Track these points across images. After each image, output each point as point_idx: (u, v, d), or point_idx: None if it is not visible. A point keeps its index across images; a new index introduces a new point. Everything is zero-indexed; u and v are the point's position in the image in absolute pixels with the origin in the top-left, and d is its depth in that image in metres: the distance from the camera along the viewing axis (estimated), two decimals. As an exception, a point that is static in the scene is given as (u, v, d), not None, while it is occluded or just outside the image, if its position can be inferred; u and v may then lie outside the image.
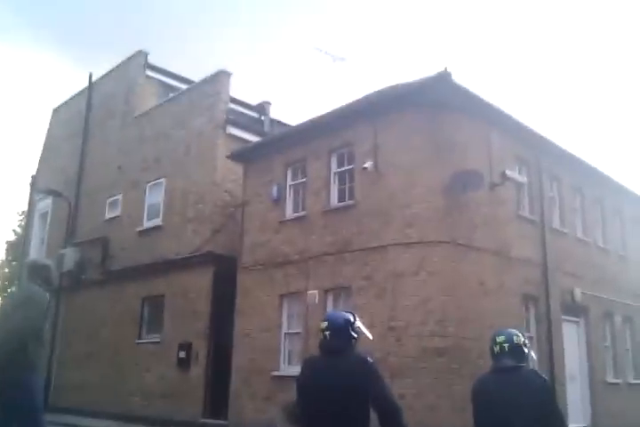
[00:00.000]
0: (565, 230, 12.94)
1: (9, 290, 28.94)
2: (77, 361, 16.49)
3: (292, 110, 44.63)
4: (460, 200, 10.26)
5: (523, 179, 11.62)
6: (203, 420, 12.45)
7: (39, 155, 22.36)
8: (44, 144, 22.24)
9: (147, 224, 15.89)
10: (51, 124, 22.22)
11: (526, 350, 4.52)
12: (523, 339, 4.53)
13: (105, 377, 15.32)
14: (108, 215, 17.39)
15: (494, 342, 4.52)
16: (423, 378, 9.28)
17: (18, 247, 28.03)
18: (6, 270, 37.34)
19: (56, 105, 22.12)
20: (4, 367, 5.01)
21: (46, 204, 20.75)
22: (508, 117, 11.42)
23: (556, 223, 12.80)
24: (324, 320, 4.45)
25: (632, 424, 12.49)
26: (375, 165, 10.68)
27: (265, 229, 12.59)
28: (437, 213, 10.10)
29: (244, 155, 13.71)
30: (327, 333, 4.33)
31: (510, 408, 4.16)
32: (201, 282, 13.71)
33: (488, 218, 10.71)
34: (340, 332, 4.33)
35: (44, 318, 5.16)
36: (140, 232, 15.92)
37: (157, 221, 15.55)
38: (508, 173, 10.89)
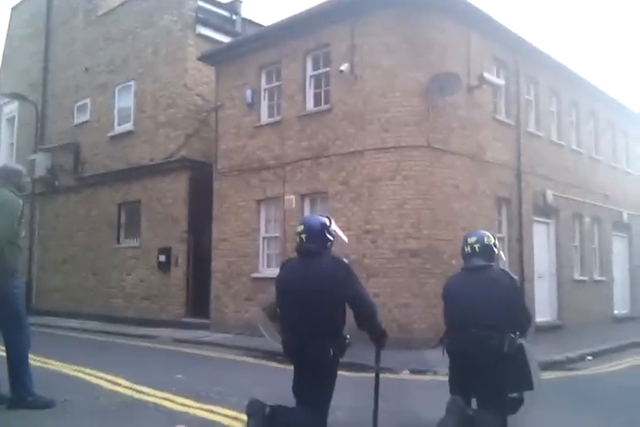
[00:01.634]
0: (540, 133, 12.98)
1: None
2: (57, 266, 16.73)
3: (265, 9, 42.47)
4: (438, 103, 10.14)
5: (500, 81, 11.47)
6: (185, 319, 12.94)
7: (0, 57, 21.23)
8: (5, 45, 21.04)
9: (118, 129, 15.53)
10: (10, 23, 20.86)
11: (496, 251, 4.69)
12: (493, 240, 4.68)
13: (85, 281, 15.65)
14: (76, 120, 16.90)
15: (466, 243, 4.67)
16: (397, 278, 9.65)
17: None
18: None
19: (15, 3, 20.70)
20: None
21: (12, 108, 20.03)
22: (488, 18, 11.10)
23: (532, 126, 12.82)
24: (301, 224, 4.53)
25: (595, 318, 13.31)
26: (352, 68, 10.39)
27: (240, 134, 12.41)
28: (414, 116, 10.01)
29: (216, 57, 13.18)
30: (303, 236, 4.42)
31: (478, 302, 4.38)
32: (177, 188, 13.69)
33: (464, 121, 10.66)
34: (316, 235, 4.42)
35: (18, 223, 5.14)
36: (112, 137, 15.59)
37: (129, 126, 15.20)
38: (486, 75, 10.72)
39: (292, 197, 11.13)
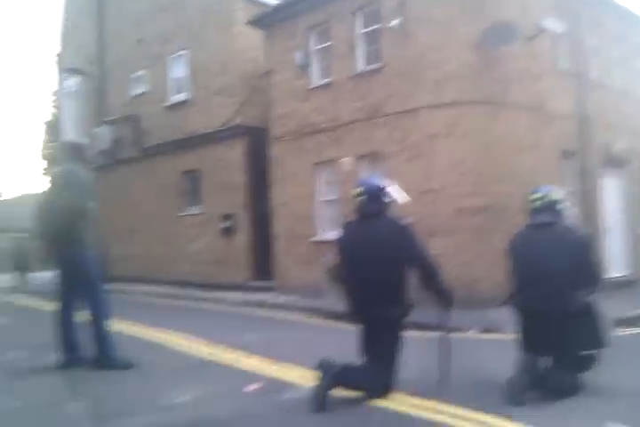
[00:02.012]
0: (605, 82, 12.35)
1: (53, 171, 29.79)
2: (126, 235, 17.37)
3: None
4: (494, 56, 9.76)
5: (560, 29, 10.86)
6: (251, 283, 13.29)
7: (60, 33, 21.69)
8: (63, 21, 21.45)
9: (173, 99, 15.75)
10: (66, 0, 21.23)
11: (562, 206, 4.58)
12: (559, 195, 4.57)
13: (154, 248, 16.22)
14: (134, 92, 17.22)
15: (531, 199, 4.58)
16: (459, 237, 9.55)
17: (55, 128, 28.40)
18: (47, 151, 38.23)
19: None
20: (59, 245, 5.34)
21: (74, 83, 20.52)
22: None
23: (595, 75, 12.19)
24: (358, 186, 4.53)
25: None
26: (403, 23, 10.10)
27: (293, 98, 12.36)
28: (470, 70, 9.69)
29: (265, 20, 13.05)
30: (361, 198, 4.43)
31: (546, 259, 4.30)
32: (234, 155, 13.87)
33: (523, 73, 10.23)
34: (374, 196, 4.43)
35: (90, 196, 5.37)
36: (168, 108, 15.84)
37: (183, 96, 15.40)
38: (545, 23, 10.18)
39: (348, 158, 11.09)
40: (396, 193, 4.58)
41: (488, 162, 9.58)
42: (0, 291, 16.77)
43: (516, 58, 10.09)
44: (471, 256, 9.47)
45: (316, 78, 12.08)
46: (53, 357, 5.50)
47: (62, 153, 5.82)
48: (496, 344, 6.49)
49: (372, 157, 11.01)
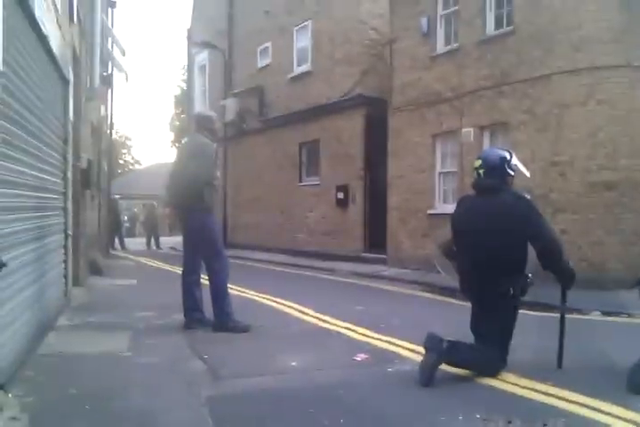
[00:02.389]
0: None
1: (182, 141, 31.55)
2: (247, 203, 18.07)
3: None
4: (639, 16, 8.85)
5: None
6: (363, 254, 13.33)
7: (191, 7, 22.60)
8: (195, -4, 22.32)
9: (297, 70, 15.93)
10: (197, -27, 22.03)
11: None
12: None
13: (273, 217, 16.72)
14: (259, 64, 17.62)
15: None
16: (589, 213, 8.90)
17: (184, 101, 29.91)
18: (177, 123, 40.48)
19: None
20: (185, 212, 5.62)
21: (203, 56, 21.40)
22: None
23: None
24: (478, 158, 4.31)
25: None
26: (537, -18, 9.40)
27: (415, 66, 12.01)
28: (611, 32, 8.84)
29: (389, -15, 12.72)
30: (481, 171, 4.21)
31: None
32: (353, 125, 13.82)
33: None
34: (495, 170, 4.19)
35: (214, 166, 5.57)
36: (292, 79, 16.05)
37: (307, 67, 15.51)
38: None
39: (470, 129, 10.65)
40: (520, 166, 4.32)
41: (625, 133, 8.78)
42: (133, 254, 18.12)
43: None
44: (601, 235, 8.81)
45: (441, 45, 11.64)
46: (178, 317, 5.86)
47: (192, 124, 6.07)
48: (620, 328, 6.05)
49: (496, 128, 10.51)
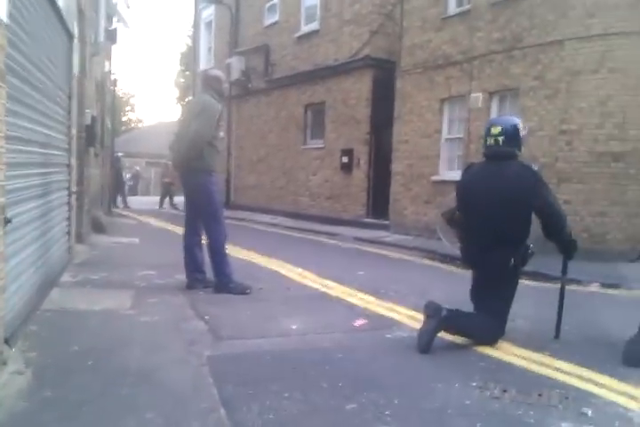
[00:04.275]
0: None
1: (186, 99, 31.23)
2: (251, 165, 17.98)
3: None
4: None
5: None
6: (366, 219, 13.34)
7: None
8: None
9: (304, 29, 15.57)
10: None
11: None
12: None
13: (276, 179, 16.66)
14: (266, 21, 17.23)
15: None
16: (594, 184, 8.84)
17: (189, 58, 29.44)
18: (182, 80, 39.99)
19: None
20: (186, 173, 5.58)
21: (210, 12, 20.94)
22: None
23: None
24: (496, 125, 4.22)
25: None
26: (556, -57, 9.08)
27: (425, 27, 11.74)
28: (627, -2, 8.62)
29: (402, -58, 12.30)
30: (500, 138, 4.14)
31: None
32: (360, 88, 13.60)
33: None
34: (513, 138, 4.16)
35: (216, 126, 5.50)
36: (299, 38, 15.71)
37: (315, 26, 15.15)
38: None
39: (479, 94, 10.48)
40: (526, 135, 4.28)
41: (636, 103, 8.63)
42: (136, 212, 18.14)
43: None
44: (605, 206, 8.77)
45: (452, 6, 11.34)
46: (180, 277, 5.90)
47: (198, 83, 5.92)
48: (619, 301, 6.09)
49: (505, 93, 10.34)
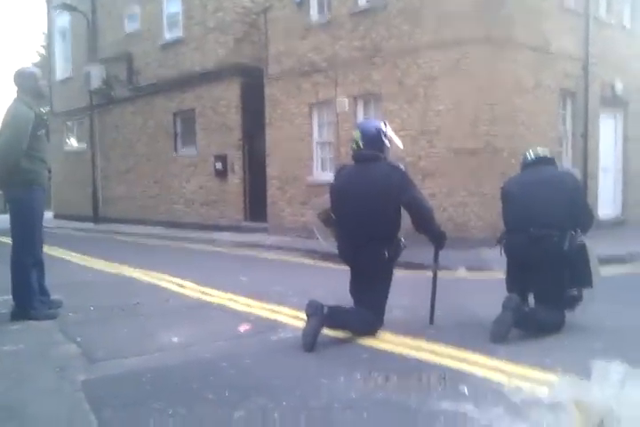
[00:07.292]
0: (611, 20, 11.93)
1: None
2: (120, 175, 17.28)
3: None
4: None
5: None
6: (244, 224, 13.32)
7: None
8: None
9: (168, 37, 15.27)
10: None
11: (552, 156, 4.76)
12: (548, 151, 4.78)
13: (147, 189, 16.16)
14: (127, 29, 16.64)
15: (529, 154, 4.69)
16: (454, 177, 9.49)
17: (44, 68, 27.67)
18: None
19: None
20: (5, 187, 5.05)
21: (65, 20, 19.86)
22: None
23: (602, 13, 11.77)
24: (357, 130, 4.45)
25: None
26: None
27: (290, 36, 11.97)
28: (474, 8, 9.33)
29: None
30: (360, 142, 4.34)
31: (538, 202, 4.34)
32: (229, 95, 13.56)
33: (529, 11, 9.85)
34: (373, 140, 4.36)
35: (34, 136, 4.92)
36: (163, 46, 15.37)
37: (178, 33, 14.90)
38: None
39: (345, 99, 10.86)
40: (394, 138, 4.52)
41: (487, 103, 9.39)
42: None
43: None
44: (464, 197, 9.46)
45: (315, 15, 11.67)
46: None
47: (15, 85, 5.26)
48: (484, 283, 6.52)
49: (369, 98, 10.79)
